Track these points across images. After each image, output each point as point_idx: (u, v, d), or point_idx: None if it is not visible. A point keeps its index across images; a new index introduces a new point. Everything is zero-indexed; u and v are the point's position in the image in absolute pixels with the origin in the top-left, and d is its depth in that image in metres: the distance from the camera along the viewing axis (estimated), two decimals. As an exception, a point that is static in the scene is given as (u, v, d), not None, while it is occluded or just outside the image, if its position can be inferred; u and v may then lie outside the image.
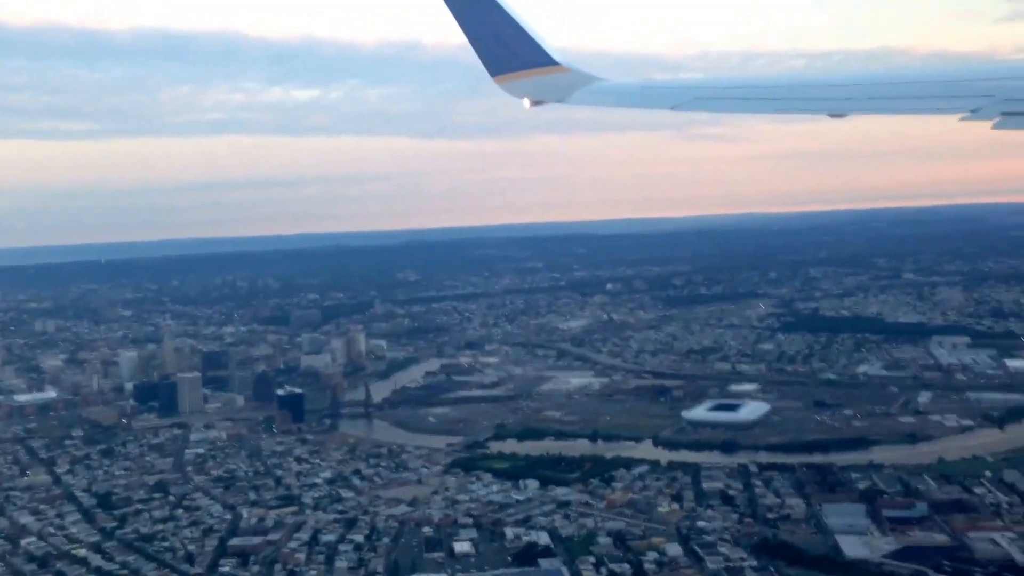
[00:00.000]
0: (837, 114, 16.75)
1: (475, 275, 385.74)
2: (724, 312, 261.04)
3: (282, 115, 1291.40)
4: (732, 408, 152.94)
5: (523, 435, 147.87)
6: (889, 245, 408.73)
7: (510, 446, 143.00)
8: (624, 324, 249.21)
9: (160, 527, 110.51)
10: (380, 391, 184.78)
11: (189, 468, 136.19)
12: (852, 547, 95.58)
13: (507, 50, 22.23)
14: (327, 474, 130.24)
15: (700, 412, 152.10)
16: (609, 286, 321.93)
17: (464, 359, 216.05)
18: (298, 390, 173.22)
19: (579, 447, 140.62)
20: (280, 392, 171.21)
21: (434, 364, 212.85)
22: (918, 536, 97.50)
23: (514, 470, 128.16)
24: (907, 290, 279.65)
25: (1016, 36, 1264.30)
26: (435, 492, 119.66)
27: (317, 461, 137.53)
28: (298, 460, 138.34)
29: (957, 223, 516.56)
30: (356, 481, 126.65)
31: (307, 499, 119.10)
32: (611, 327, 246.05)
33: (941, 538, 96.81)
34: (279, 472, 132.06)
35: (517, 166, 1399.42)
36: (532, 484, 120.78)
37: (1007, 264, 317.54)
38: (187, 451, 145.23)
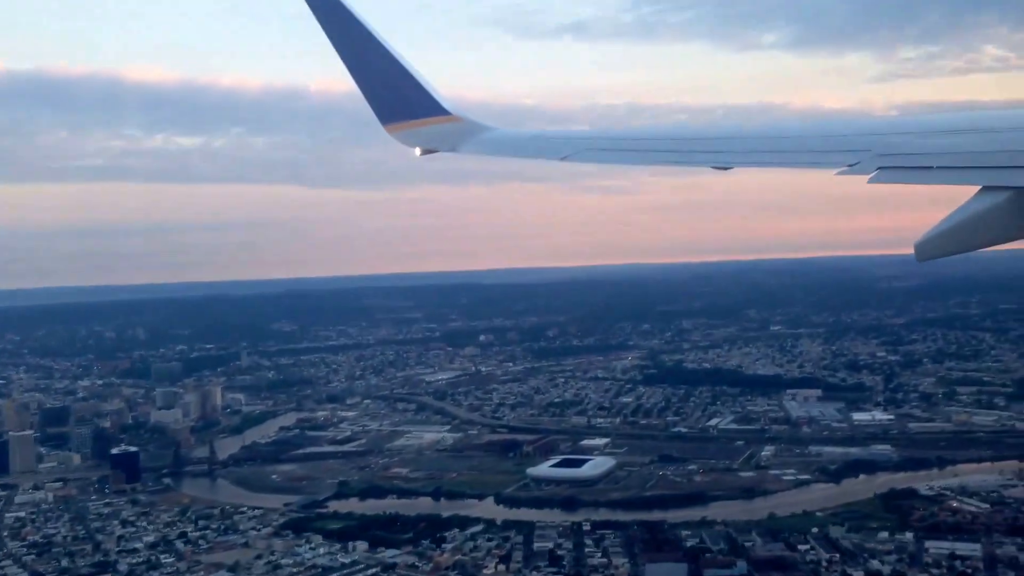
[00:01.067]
0: (722, 167, 16.45)
1: (352, 325, 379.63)
2: (592, 364, 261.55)
3: (166, 162, 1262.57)
4: (577, 464, 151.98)
5: (365, 493, 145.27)
6: (762, 296, 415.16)
7: (350, 505, 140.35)
8: (490, 376, 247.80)
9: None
10: (230, 447, 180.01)
11: (5, 534, 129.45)
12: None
13: (398, 99, 21.86)
14: (151, 538, 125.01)
15: (544, 468, 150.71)
16: (482, 337, 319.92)
17: (322, 413, 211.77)
18: (133, 448, 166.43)
19: (420, 505, 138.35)
20: (114, 451, 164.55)
21: (291, 418, 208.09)
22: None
23: (347, 531, 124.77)
24: (771, 342, 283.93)
25: (887, 95, 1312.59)
26: (259, 556, 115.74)
27: (143, 524, 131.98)
28: (124, 523, 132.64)
29: (830, 274, 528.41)
30: (180, 545, 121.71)
31: (123, 566, 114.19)
32: (477, 380, 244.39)
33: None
34: (100, 537, 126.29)
35: (406, 215, 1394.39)
36: (361, 546, 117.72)
37: (870, 316, 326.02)
38: (7, 515, 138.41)
